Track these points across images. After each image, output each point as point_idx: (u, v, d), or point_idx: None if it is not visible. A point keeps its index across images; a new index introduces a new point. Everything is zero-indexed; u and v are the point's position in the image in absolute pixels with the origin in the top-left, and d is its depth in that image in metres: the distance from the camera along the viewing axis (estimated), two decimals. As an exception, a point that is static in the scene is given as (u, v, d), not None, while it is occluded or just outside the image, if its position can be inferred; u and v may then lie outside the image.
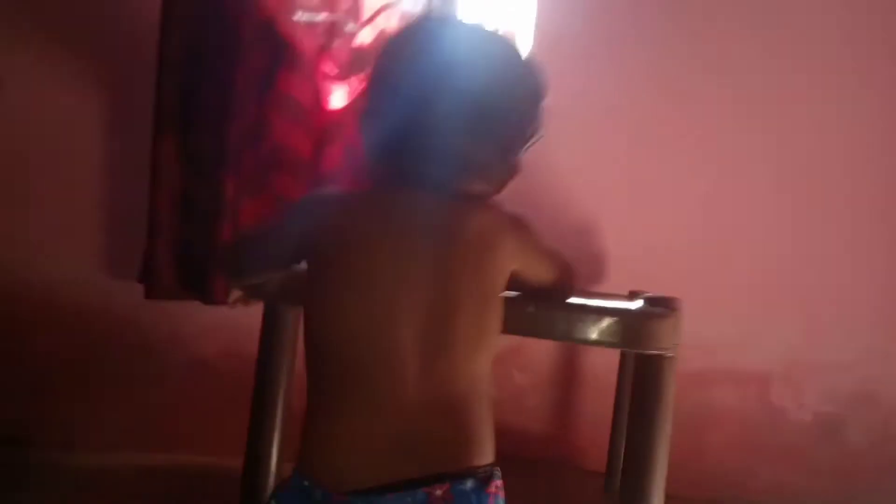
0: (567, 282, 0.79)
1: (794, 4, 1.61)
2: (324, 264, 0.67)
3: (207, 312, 1.45)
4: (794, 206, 1.62)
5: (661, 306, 0.76)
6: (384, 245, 0.65)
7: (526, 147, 0.74)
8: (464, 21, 0.77)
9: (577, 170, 1.57)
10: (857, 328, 1.61)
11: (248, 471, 0.82)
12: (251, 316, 1.45)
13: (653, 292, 1.34)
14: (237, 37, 1.35)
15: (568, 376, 1.60)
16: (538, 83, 0.74)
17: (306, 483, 0.62)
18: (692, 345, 1.49)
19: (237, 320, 1.50)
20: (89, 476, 1.42)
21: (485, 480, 0.61)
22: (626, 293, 1.35)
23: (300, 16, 1.42)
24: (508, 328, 0.68)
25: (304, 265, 0.71)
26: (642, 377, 0.71)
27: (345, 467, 0.60)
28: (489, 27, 0.77)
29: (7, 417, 1.47)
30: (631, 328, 0.72)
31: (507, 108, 0.71)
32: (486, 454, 0.62)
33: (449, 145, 0.68)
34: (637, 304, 0.85)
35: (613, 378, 1.43)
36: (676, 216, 1.61)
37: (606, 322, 0.73)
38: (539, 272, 0.74)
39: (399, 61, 0.72)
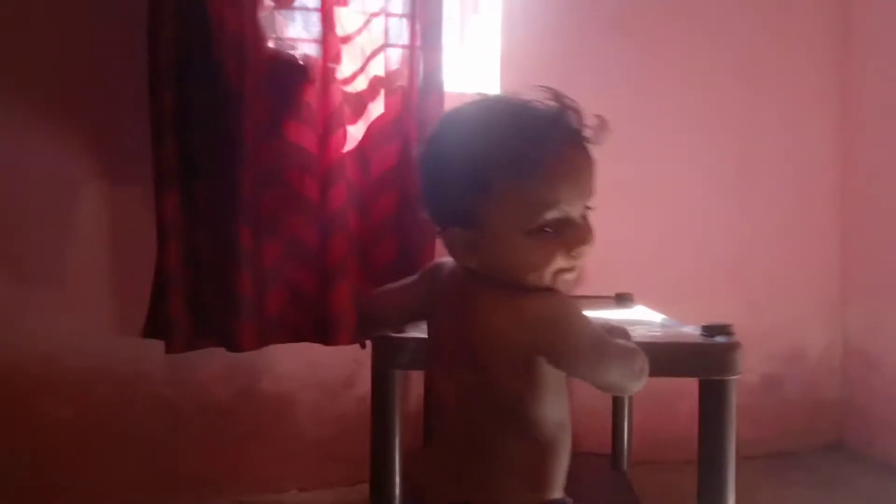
0: (623, 377, 0.79)
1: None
2: (429, 329, 0.82)
3: (218, 357, 1.50)
4: (724, 203, 1.88)
5: (719, 333, 0.92)
6: (445, 322, 0.80)
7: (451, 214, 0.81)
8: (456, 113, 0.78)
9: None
10: (786, 300, 1.91)
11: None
12: (262, 356, 1.52)
13: (613, 289, 1.54)
14: (240, 90, 1.38)
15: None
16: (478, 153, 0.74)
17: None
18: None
19: (250, 361, 1.56)
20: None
21: None
22: (611, 295, 1.54)
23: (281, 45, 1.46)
24: None
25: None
26: (713, 398, 0.89)
27: (424, 487, 0.78)
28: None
29: (20, 485, 1.45)
30: (715, 362, 0.91)
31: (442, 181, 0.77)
32: (510, 493, 0.74)
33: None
34: (694, 331, 0.99)
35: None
36: (631, 221, 1.81)
37: (693, 356, 0.90)
38: (578, 374, 0.76)
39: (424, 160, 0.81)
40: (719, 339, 0.92)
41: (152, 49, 1.38)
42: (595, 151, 1.25)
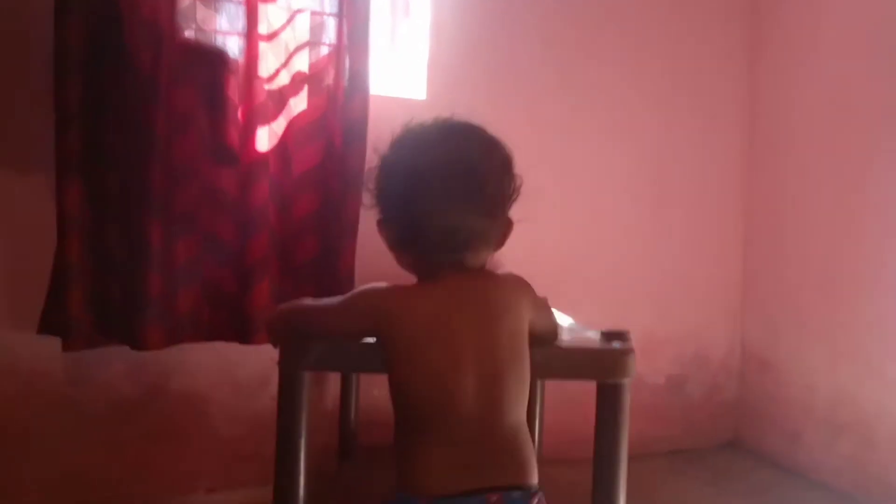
0: (555, 324, 0.99)
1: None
2: (405, 342, 0.84)
3: (124, 354, 1.45)
4: (639, 214, 1.97)
5: (618, 339, 0.97)
6: (444, 322, 0.84)
7: (510, 207, 0.91)
8: (428, 125, 0.89)
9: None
10: (689, 308, 2.02)
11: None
12: (171, 354, 1.48)
13: (538, 293, 1.59)
14: (153, 80, 1.34)
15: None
16: (503, 152, 0.91)
17: (404, 495, 0.82)
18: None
19: (158, 359, 1.51)
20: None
21: (529, 495, 0.83)
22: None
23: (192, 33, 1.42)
24: None
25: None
26: (608, 400, 0.93)
27: (433, 482, 0.81)
28: (450, 120, 0.91)
29: None
30: (608, 365, 0.95)
31: (482, 181, 0.86)
32: (532, 475, 0.84)
33: (447, 227, 0.84)
34: (596, 336, 1.04)
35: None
36: (548, 227, 1.87)
37: (591, 360, 0.94)
38: (541, 320, 0.93)
39: (389, 180, 0.88)
40: (616, 344, 0.97)
41: (59, 31, 1.32)
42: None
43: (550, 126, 1.85)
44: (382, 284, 0.88)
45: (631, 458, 1.90)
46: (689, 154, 2.01)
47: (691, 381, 2.04)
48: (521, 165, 1.76)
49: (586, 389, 1.85)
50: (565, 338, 0.99)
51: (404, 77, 1.75)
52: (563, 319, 1.31)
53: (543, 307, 0.96)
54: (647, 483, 1.80)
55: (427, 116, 1.73)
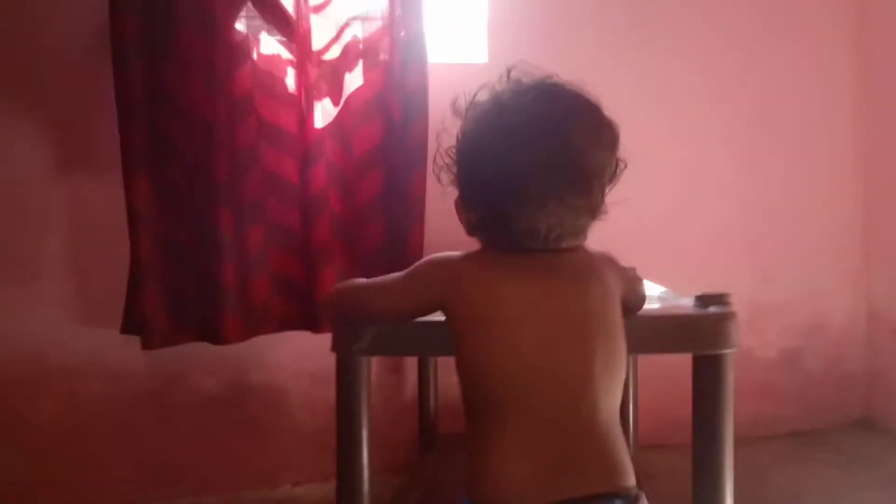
0: (644, 296, 0.87)
1: None
2: (481, 313, 0.72)
3: (205, 349, 1.45)
4: (735, 170, 1.77)
5: (714, 304, 0.83)
6: (527, 296, 0.72)
7: (609, 190, 0.78)
8: (529, 87, 0.75)
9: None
10: (803, 271, 1.80)
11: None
12: (250, 347, 1.46)
13: (632, 262, 1.45)
14: (212, 69, 1.32)
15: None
16: (614, 129, 0.78)
17: None
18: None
19: (236, 352, 1.50)
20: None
21: (633, 500, 0.69)
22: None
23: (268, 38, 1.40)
24: None
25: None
26: (708, 374, 0.80)
27: (512, 490, 0.68)
28: (552, 88, 0.77)
29: (12, 483, 1.42)
30: (707, 334, 0.81)
31: (595, 174, 0.74)
32: (630, 476, 0.70)
33: (547, 227, 0.72)
34: (690, 303, 0.91)
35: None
36: (637, 188, 1.69)
37: (682, 329, 0.81)
38: (631, 294, 0.81)
39: (476, 151, 0.74)
40: (713, 309, 0.83)
41: (114, 25, 1.32)
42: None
43: (627, 78, 1.69)
44: (454, 253, 0.77)
45: (743, 442, 1.72)
46: (793, 96, 1.78)
47: (809, 354, 1.82)
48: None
49: (686, 366, 1.71)
50: (653, 306, 0.86)
51: (465, 42, 1.65)
52: (652, 289, 1.18)
53: (633, 278, 0.84)
54: (762, 469, 1.62)
55: (490, 79, 1.66)
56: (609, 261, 0.80)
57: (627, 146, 1.73)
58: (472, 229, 0.77)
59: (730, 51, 1.74)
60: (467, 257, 0.76)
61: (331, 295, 0.88)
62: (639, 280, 0.86)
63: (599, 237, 1.75)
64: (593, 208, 0.76)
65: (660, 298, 0.97)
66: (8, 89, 1.43)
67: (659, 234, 1.70)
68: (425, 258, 0.79)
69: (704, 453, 0.79)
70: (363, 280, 0.84)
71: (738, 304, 1.78)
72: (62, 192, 1.46)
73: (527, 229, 0.72)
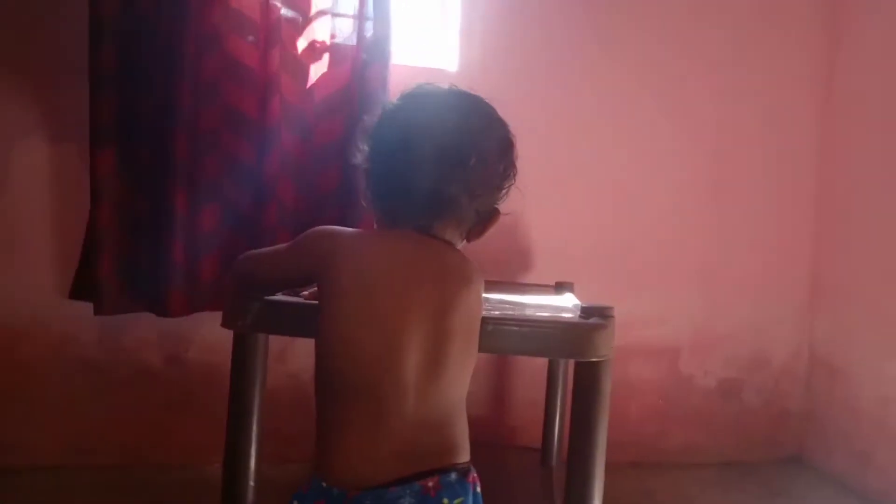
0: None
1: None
2: (337, 298, 0.75)
3: (149, 322, 1.48)
4: (694, 199, 1.80)
5: (596, 315, 0.86)
6: (389, 282, 0.75)
7: (499, 197, 0.83)
8: (442, 87, 0.83)
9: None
10: (749, 303, 1.83)
11: (229, 485, 0.87)
12: (191, 324, 1.49)
13: (574, 280, 1.48)
14: (180, 53, 1.36)
15: (501, 365, 1.72)
16: (503, 135, 0.83)
17: (324, 484, 0.73)
18: (612, 325, 1.66)
19: (179, 328, 1.53)
20: (39, 496, 1.41)
21: (465, 473, 0.74)
22: (552, 284, 1.48)
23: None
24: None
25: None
26: (585, 381, 0.82)
27: (356, 470, 0.71)
28: (464, 91, 0.84)
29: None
30: (576, 341, 0.82)
31: (471, 153, 0.78)
32: (464, 454, 0.75)
33: (422, 187, 0.77)
34: (572, 309, 0.93)
35: (540, 364, 1.56)
36: (591, 211, 1.75)
37: (550, 337, 0.83)
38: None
39: (382, 125, 0.82)
40: (592, 320, 0.85)
41: (93, 4, 1.36)
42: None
43: (592, 102, 1.73)
44: (345, 228, 0.82)
45: (675, 466, 1.78)
46: (754, 136, 1.82)
47: (748, 386, 1.84)
48: (559, 144, 1.70)
49: (626, 386, 1.73)
50: (541, 313, 0.88)
51: (436, 48, 1.68)
52: (568, 301, 1.20)
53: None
54: (689, 495, 1.65)
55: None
56: (478, 271, 0.81)
57: (587, 165, 1.78)
58: (367, 192, 0.83)
59: (698, 80, 1.78)
60: (353, 233, 0.81)
61: (233, 264, 0.91)
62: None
63: (551, 258, 1.79)
64: (475, 189, 0.79)
65: (551, 307, 0.99)
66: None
67: (614, 256, 1.74)
68: (316, 227, 0.83)
69: (578, 452, 0.81)
70: (261, 249, 0.89)
71: (683, 332, 1.83)
72: (23, 156, 1.49)
73: (413, 188, 0.77)
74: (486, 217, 0.81)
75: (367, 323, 0.73)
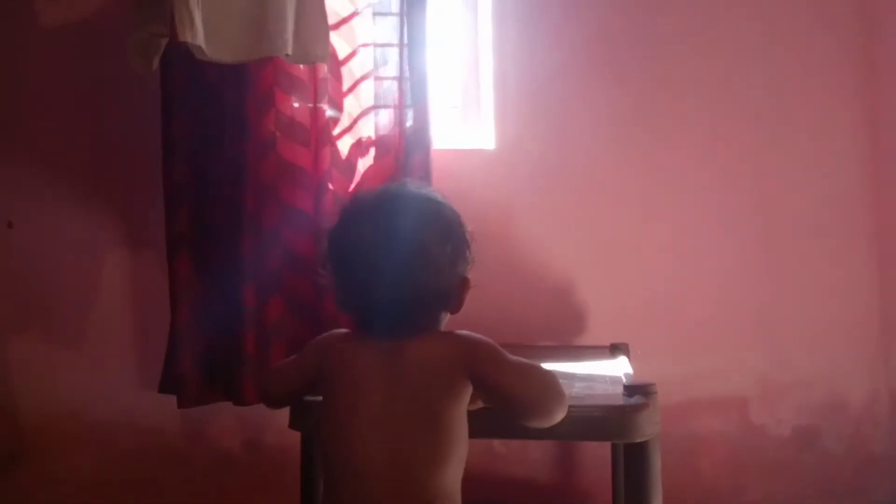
0: (541, 392, 0.83)
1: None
2: (329, 396, 0.86)
3: (228, 410, 1.57)
4: (749, 246, 1.78)
5: (639, 393, 0.88)
6: (364, 380, 0.83)
7: (462, 270, 0.88)
8: (369, 196, 0.90)
9: (551, 235, 1.73)
10: (818, 346, 1.78)
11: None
12: (266, 410, 1.58)
13: (629, 340, 1.50)
14: (242, 160, 1.50)
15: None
16: (438, 218, 0.88)
17: None
18: (674, 380, 1.66)
19: (255, 414, 1.62)
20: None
21: None
22: (607, 345, 1.50)
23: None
24: (489, 431, 0.84)
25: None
26: (631, 460, 0.84)
27: None
28: (389, 190, 0.92)
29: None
30: (619, 424, 0.84)
31: (421, 251, 0.84)
32: None
33: (379, 301, 0.84)
34: (615, 387, 0.95)
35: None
36: (645, 267, 1.76)
37: (591, 420, 0.84)
38: (503, 385, 0.82)
39: (330, 246, 0.90)
40: (634, 399, 0.87)
41: (165, 124, 1.52)
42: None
43: (634, 165, 1.76)
44: (339, 331, 0.91)
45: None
46: (803, 180, 1.79)
47: (826, 432, 1.78)
48: (605, 209, 1.73)
49: (697, 439, 1.70)
50: (577, 391, 0.91)
51: (473, 129, 1.77)
52: (618, 369, 1.19)
53: (501, 369, 0.83)
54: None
55: (497, 166, 1.75)
56: (467, 351, 0.84)
57: (635, 229, 1.80)
58: (342, 307, 0.90)
59: (739, 135, 1.78)
60: (342, 335, 0.90)
61: (263, 376, 1.02)
62: (505, 362, 0.84)
63: (606, 320, 1.80)
64: (428, 283, 0.84)
65: (587, 384, 1.01)
66: (69, 172, 1.64)
67: (668, 315, 1.74)
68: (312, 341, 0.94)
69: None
70: (280, 363, 1.01)
71: (748, 382, 1.80)
72: (111, 265, 1.65)
73: (369, 307, 0.85)
74: (458, 290, 0.87)
75: (344, 420, 0.82)
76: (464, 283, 0.87)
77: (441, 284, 0.85)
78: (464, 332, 0.85)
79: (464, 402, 0.82)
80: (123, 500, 1.61)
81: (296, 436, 1.64)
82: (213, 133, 1.54)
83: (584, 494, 1.70)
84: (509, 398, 0.81)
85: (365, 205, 0.89)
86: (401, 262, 0.82)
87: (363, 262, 0.83)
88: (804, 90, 1.80)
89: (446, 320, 0.90)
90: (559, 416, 0.82)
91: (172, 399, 1.53)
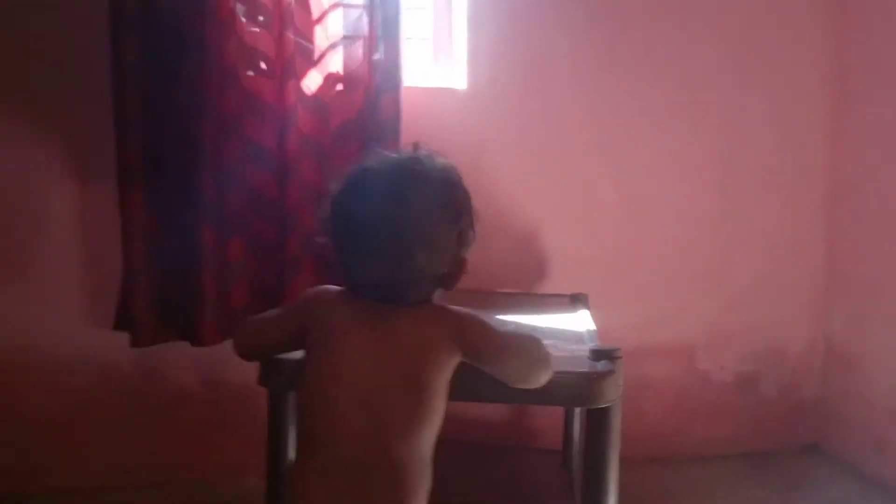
0: (528, 363, 0.88)
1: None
2: (314, 359, 0.85)
3: (184, 348, 1.55)
4: (703, 200, 1.83)
5: (605, 358, 0.91)
6: (350, 343, 0.84)
7: (462, 253, 0.88)
8: (381, 169, 0.86)
9: (519, 181, 1.73)
10: (764, 296, 1.86)
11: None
12: (226, 347, 1.56)
13: (587, 286, 1.53)
14: (201, 90, 1.41)
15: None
16: (450, 201, 0.87)
17: None
18: (627, 325, 1.71)
19: (212, 353, 1.60)
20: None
21: None
22: (566, 293, 1.53)
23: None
24: (464, 395, 0.85)
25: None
26: (594, 422, 0.87)
27: None
28: (404, 164, 0.87)
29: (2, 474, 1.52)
30: (584, 392, 0.86)
31: (413, 242, 0.83)
32: None
33: (386, 274, 0.84)
34: (579, 346, 0.97)
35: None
36: (605, 217, 1.78)
37: (558, 386, 0.86)
38: (493, 358, 0.86)
39: (337, 204, 0.88)
40: (601, 364, 0.90)
41: (115, 47, 1.41)
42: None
43: (599, 107, 1.76)
44: (332, 287, 0.89)
45: (696, 460, 1.83)
46: (764, 132, 1.83)
47: (764, 378, 1.89)
48: (568, 156, 1.73)
49: (640, 384, 1.77)
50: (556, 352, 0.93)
51: (446, 67, 1.72)
52: (582, 325, 1.23)
53: (490, 344, 0.87)
54: (708, 487, 1.71)
55: (467, 107, 1.71)
56: (456, 327, 0.86)
57: (599, 176, 1.81)
58: (339, 272, 0.89)
59: (705, 82, 1.79)
60: (333, 294, 0.88)
61: (240, 327, 1.00)
62: (487, 330, 0.88)
63: (565, 266, 1.82)
64: (427, 265, 0.85)
65: (551, 343, 1.03)
66: (11, 99, 1.53)
67: (626, 261, 1.78)
68: (306, 291, 0.92)
69: (589, 492, 0.87)
70: (257, 316, 0.97)
71: (696, 329, 1.87)
72: (59, 197, 1.57)
73: (368, 282, 0.85)
74: (456, 270, 0.87)
75: (326, 376, 0.83)
76: (461, 263, 0.88)
77: (441, 267, 0.86)
78: (454, 307, 0.87)
79: (448, 375, 0.84)
80: (76, 439, 1.59)
81: (255, 374, 1.67)
82: (167, 59, 1.43)
83: (535, 433, 1.77)
84: (499, 370, 0.87)
85: (378, 178, 0.85)
86: (406, 245, 0.82)
87: (368, 238, 0.82)
88: (772, 43, 1.81)
89: (440, 294, 0.90)
90: (545, 380, 0.87)
91: (127, 337, 1.49)
